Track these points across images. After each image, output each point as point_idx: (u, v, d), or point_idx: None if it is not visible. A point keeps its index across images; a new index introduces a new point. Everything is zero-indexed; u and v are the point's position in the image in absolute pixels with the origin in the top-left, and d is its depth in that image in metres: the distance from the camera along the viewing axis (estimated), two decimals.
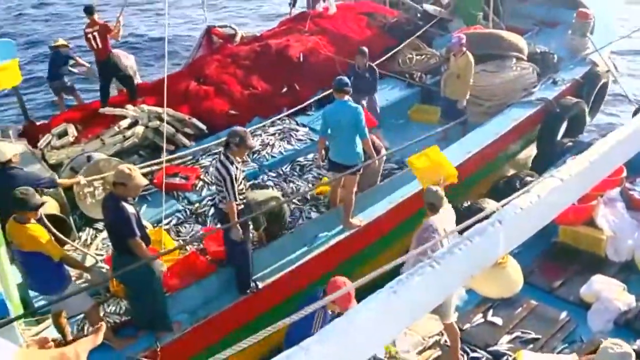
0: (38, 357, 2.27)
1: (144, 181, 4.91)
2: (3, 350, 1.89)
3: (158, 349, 4.92)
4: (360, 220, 6.49)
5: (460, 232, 1.89)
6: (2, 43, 4.18)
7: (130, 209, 4.74)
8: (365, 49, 8.05)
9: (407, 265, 3.69)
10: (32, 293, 5.51)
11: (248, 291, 5.54)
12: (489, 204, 7.09)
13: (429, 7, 11.16)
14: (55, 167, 7.17)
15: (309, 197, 7.11)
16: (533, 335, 5.54)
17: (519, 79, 8.82)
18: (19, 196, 4.48)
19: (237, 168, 5.19)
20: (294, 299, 5.52)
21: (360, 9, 11.25)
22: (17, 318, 4.56)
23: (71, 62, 9.96)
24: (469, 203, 7.16)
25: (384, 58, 9.39)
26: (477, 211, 6.67)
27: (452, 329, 5.29)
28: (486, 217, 1.86)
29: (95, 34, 8.51)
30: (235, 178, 5.11)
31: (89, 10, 8.61)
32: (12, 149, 5.68)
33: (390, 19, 10.92)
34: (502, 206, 1.92)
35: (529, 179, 7.59)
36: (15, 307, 4.98)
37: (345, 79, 6.28)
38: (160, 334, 5.05)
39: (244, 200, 5.38)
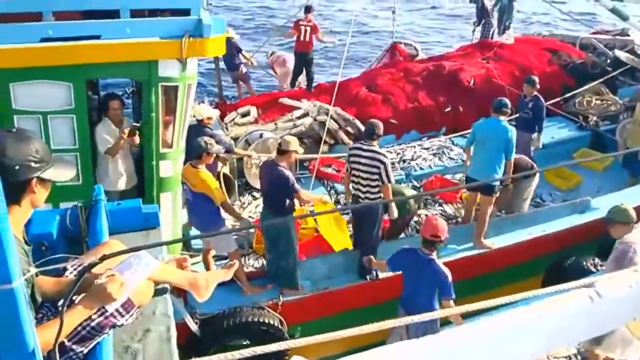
0: (174, 274, 2.63)
1: (300, 152, 5.65)
2: (148, 261, 2.41)
3: (280, 303, 5.54)
4: (492, 242, 6.48)
5: None
6: (215, 19, 5.10)
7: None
8: (534, 78, 7.85)
9: None
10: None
11: (368, 277, 5.91)
12: None
13: (622, 54, 10.54)
14: (234, 140, 8.32)
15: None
16: None
17: None
18: (202, 141, 5.44)
19: None
20: None
21: (545, 45, 11.05)
22: (169, 243, 5.40)
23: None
24: None
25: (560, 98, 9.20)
26: None
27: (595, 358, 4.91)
28: None
29: (308, 29, 9.99)
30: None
31: (308, 9, 10.19)
32: (209, 112, 7.00)
33: (576, 60, 10.56)
34: None
35: None
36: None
37: (506, 100, 6.35)
38: (285, 290, 5.66)
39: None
